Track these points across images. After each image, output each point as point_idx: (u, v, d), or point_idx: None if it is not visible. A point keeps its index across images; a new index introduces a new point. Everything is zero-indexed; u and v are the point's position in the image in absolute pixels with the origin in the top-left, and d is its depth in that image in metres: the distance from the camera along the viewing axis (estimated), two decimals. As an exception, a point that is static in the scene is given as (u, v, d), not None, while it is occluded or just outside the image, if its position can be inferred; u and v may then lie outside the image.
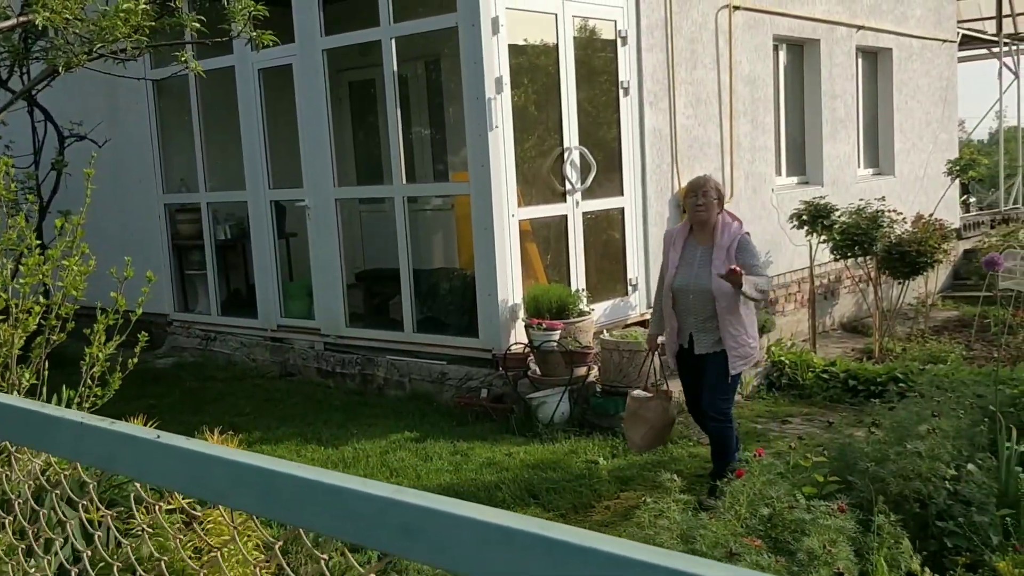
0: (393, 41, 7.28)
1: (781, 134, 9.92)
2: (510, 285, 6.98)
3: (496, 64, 6.80)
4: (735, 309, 5.04)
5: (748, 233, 5.19)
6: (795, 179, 10.12)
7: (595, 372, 6.82)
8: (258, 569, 3.55)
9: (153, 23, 5.19)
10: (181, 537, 3.90)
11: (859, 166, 11.06)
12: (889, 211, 8.78)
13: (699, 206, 5.11)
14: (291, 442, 6.39)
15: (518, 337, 7.01)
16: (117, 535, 3.89)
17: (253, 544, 3.86)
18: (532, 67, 7.38)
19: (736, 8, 8.75)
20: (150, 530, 3.59)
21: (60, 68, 5.08)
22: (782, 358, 7.73)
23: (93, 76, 6.70)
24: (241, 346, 8.77)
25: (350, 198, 8.48)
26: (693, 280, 5.12)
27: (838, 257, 8.79)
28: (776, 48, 9.66)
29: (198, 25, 5.48)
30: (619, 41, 7.78)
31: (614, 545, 0.68)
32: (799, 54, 10.15)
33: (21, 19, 5.48)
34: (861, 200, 8.98)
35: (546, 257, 7.54)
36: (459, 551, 0.70)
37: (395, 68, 7.34)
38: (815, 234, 8.65)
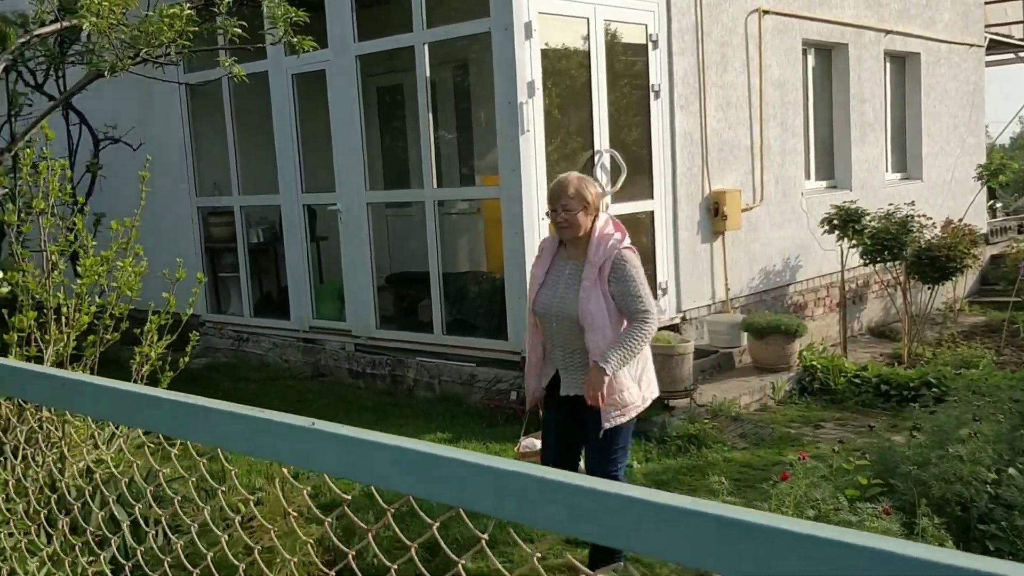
0: (426, 47, 7.34)
1: (810, 138, 9.92)
2: (542, 288, 7.01)
3: (528, 68, 6.85)
4: (612, 340, 3.93)
5: (631, 248, 4.00)
6: (824, 183, 10.11)
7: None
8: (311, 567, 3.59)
9: (196, 28, 5.26)
10: (225, 537, 3.95)
11: (887, 170, 11.04)
12: (918, 216, 8.77)
13: (561, 222, 3.96)
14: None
15: (550, 340, 7.03)
16: (167, 531, 3.96)
17: (303, 543, 3.90)
18: (563, 71, 7.42)
19: (765, 12, 8.77)
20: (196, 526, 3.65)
21: (105, 72, 5.15)
22: (813, 363, 7.73)
23: (126, 80, 6.78)
24: (273, 347, 8.85)
25: (379, 202, 8.54)
26: (556, 303, 4.02)
27: (867, 262, 8.78)
28: (805, 52, 9.67)
29: (239, 31, 5.54)
30: (650, 45, 7.81)
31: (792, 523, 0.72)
32: (827, 58, 10.15)
33: (65, 24, 5.57)
34: (890, 205, 8.97)
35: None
36: (621, 528, 0.74)
37: (427, 73, 7.40)
38: (846, 239, 8.65)
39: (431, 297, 7.64)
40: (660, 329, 7.66)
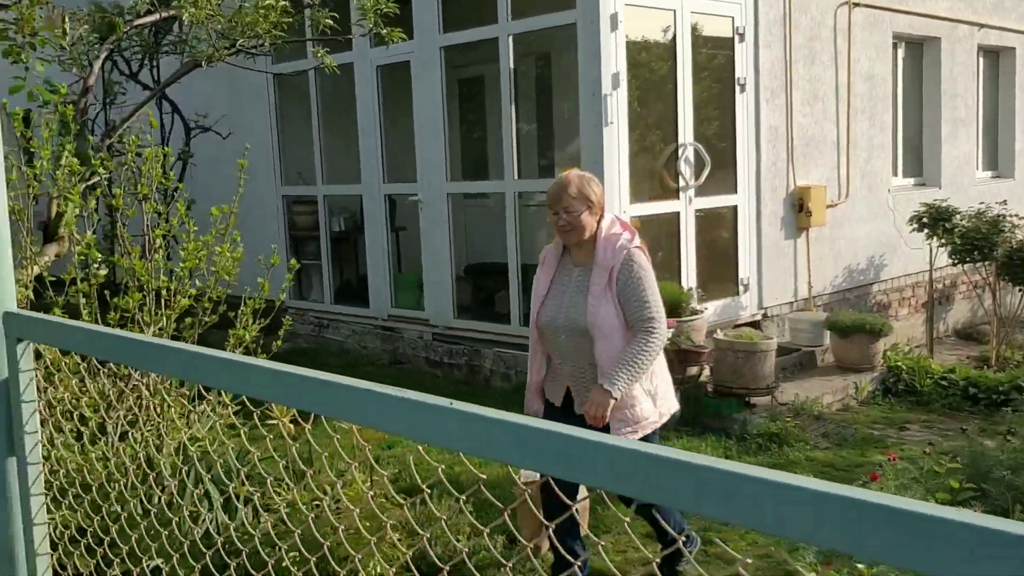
0: (510, 38, 7.37)
1: (898, 133, 9.68)
2: (622, 281, 6.99)
3: (613, 60, 6.82)
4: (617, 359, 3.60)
5: (641, 248, 3.70)
6: (912, 180, 9.86)
7: (707, 372, 6.79)
8: (396, 549, 3.65)
9: (290, 19, 5.37)
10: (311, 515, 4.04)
11: (978, 168, 10.72)
12: (1010, 215, 8.50)
13: (564, 225, 3.64)
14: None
15: (628, 333, 7.01)
16: (259, 508, 4.07)
17: (392, 525, 3.96)
18: (648, 63, 7.37)
19: (855, 5, 8.58)
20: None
21: (203, 62, 5.29)
22: (898, 363, 7.57)
23: (216, 70, 6.94)
24: (353, 334, 9.00)
25: (460, 193, 8.61)
26: (564, 313, 3.70)
27: (956, 262, 8.54)
28: (895, 46, 9.43)
29: (331, 22, 5.64)
30: (736, 37, 7.71)
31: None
32: (919, 52, 9.89)
33: (163, 14, 5.72)
34: (981, 203, 8.71)
35: (656, 254, 7.52)
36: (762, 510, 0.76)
37: (511, 65, 7.43)
38: (935, 238, 8.43)
39: (509, 288, 7.67)
40: (739, 326, 7.59)
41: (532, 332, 3.86)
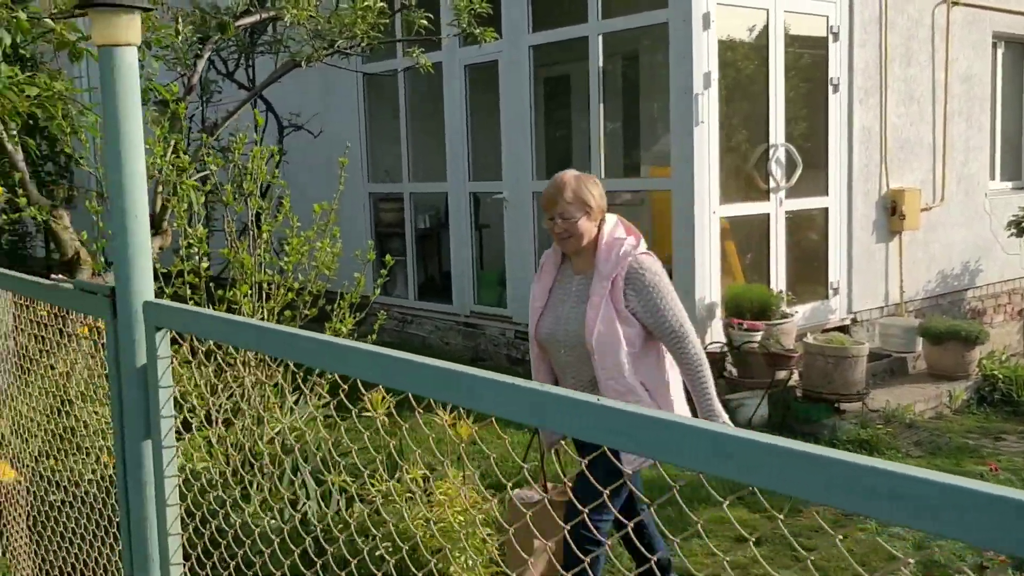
0: (600, 37, 7.36)
1: (997, 136, 9.38)
2: (708, 283, 6.94)
3: (705, 59, 6.76)
4: (629, 371, 3.23)
5: (649, 253, 3.32)
6: (1010, 183, 9.55)
7: (796, 376, 6.69)
8: (486, 544, 3.68)
9: (387, 20, 5.45)
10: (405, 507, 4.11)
11: (1081, 172, 10.33)
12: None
13: (560, 232, 3.32)
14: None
15: (714, 336, 6.95)
16: (356, 499, 4.15)
17: (482, 521, 4.01)
18: (740, 62, 7.29)
19: (954, 4, 8.35)
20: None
21: (302, 62, 5.41)
22: (994, 372, 7.34)
23: (309, 70, 7.09)
24: (436, 329, 9.10)
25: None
26: (563, 326, 3.37)
27: (1057, 268, 8.26)
28: (995, 45, 9.15)
29: (426, 23, 5.71)
30: (830, 37, 7.57)
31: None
32: (1020, 52, 9.57)
33: (265, 15, 5.87)
34: (1085, 208, 8.40)
35: (745, 256, 7.44)
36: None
37: (600, 64, 7.42)
38: (1035, 243, 8.17)
39: (594, 288, 7.66)
40: (827, 330, 7.45)
41: (532, 346, 3.53)
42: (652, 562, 2.89)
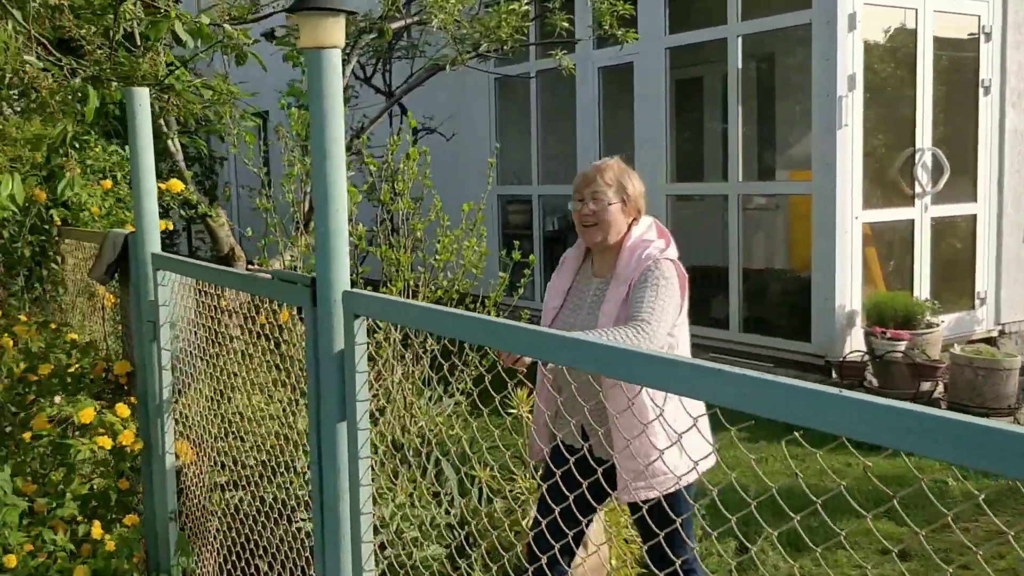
0: (739, 39, 7.27)
1: None
2: (849, 290, 6.76)
3: (850, 61, 6.60)
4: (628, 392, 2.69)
5: (673, 260, 2.92)
6: None
7: (941, 388, 6.44)
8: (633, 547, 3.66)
9: (530, 23, 5.52)
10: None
11: None
12: None
13: (587, 215, 2.95)
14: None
15: (854, 345, 6.77)
16: (489, 494, 4.22)
17: (624, 524, 4.02)
18: (885, 64, 7.08)
19: (1119, 0, 7.89)
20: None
21: (447, 66, 5.53)
22: None
23: (442, 74, 7.23)
24: (563, 333, 9.14)
25: (677, 194, 8.57)
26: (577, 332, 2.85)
27: None
28: None
29: (567, 25, 5.76)
30: (982, 37, 7.28)
31: None
32: None
33: (411, 20, 6.02)
34: None
35: (887, 263, 7.22)
36: None
37: (739, 66, 7.33)
38: None
39: (728, 292, 7.57)
40: (973, 341, 7.15)
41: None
42: None
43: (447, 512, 4.03)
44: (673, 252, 2.95)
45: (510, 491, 4.10)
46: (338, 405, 1.95)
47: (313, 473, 2.03)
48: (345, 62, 6.10)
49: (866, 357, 6.58)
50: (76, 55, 3.79)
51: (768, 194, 8.39)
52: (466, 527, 3.51)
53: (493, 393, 2.71)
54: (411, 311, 1.85)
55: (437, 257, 3.97)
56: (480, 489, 4.24)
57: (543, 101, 9.32)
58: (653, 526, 2.61)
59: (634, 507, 2.93)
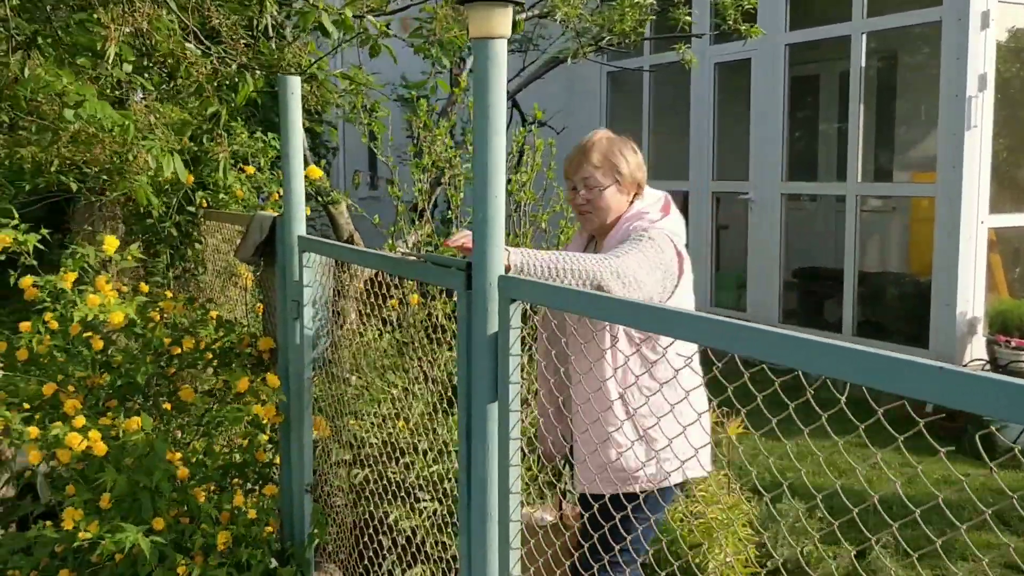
0: (864, 36, 7.10)
1: None
2: (972, 297, 6.55)
3: (981, 60, 6.38)
4: (606, 375, 2.47)
5: (670, 235, 2.56)
6: None
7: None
8: (747, 546, 3.67)
9: (654, 16, 5.51)
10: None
11: None
12: None
13: (581, 203, 2.68)
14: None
15: (975, 353, 6.55)
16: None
17: (741, 522, 4.00)
18: (1018, 63, 6.82)
19: None
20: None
21: (568, 59, 5.57)
22: None
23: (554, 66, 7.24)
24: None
25: (793, 193, 8.43)
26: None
27: None
28: None
29: (690, 19, 5.72)
30: (1126, 36, 6.94)
31: None
32: None
33: (532, 12, 6.07)
34: None
35: (1012, 270, 6.97)
36: None
37: (863, 64, 7.16)
38: None
39: (842, 295, 7.41)
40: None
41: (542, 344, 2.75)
42: None
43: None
44: (672, 226, 2.60)
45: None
46: (490, 387, 2.01)
47: (462, 452, 2.10)
48: (468, 54, 6.19)
49: (988, 366, 6.37)
50: (217, 44, 3.95)
51: (888, 196, 8.17)
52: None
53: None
54: (566, 296, 1.90)
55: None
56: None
57: (656, 96, 9.27)
58: (598, 520, 2.38)
59: (584, 502, 2.58)
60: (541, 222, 4.10)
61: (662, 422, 2.15)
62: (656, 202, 2.69)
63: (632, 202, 2.67)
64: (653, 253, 2.45)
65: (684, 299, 2.58)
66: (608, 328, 2.50)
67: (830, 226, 8.79)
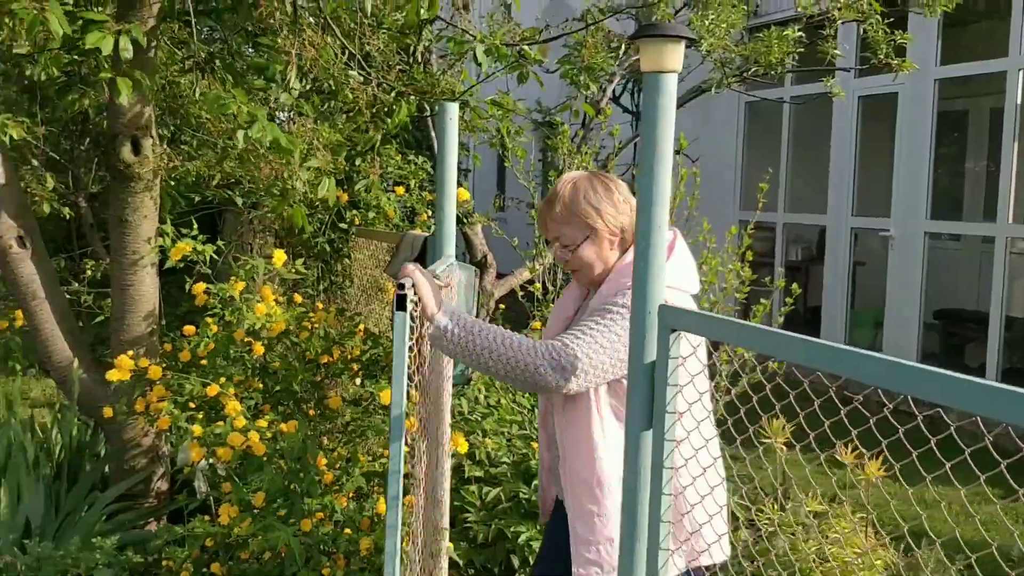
0: (1021, 73, 6.82)
1: None
2: None
3: None
4: (591, 438, 2.28)
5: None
6: None
7: None
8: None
9: (803, 49, 5.45)
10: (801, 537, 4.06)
11: None
12: None
13: (564, 263, 2.40)
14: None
15: None
16: (744, 524, 4.19)
17: (883, 563, 3.88)
18: None
19: None
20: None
21: (713, 89, 5.55)
22: None
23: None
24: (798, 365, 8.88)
25: (936, 232, 8.14)
26: None
27: None
28: None
29: (839, 53, 5.63)
30: None
31: None
32: None
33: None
34: None
35: None
36: None
37: (1019, 100, 6.87)
38: None
39: (986, 339, 7.10)
40: None
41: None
42: None
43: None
44: (670, 275, 2.16)
45: (754, 521, 4.07)
46: (644, 414, 2.03)
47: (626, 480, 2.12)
48: (608, 81, 6.25)
49: None
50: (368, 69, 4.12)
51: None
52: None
53: (747, 423, 2.73)
54: (730, 328, 1.91)
55: (704, 279, 4.01)
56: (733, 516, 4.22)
57: (795, 127, 9.12)
58: None
59: None
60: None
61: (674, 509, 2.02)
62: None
63: (627, 249, 2.31)
64: (619, 327, 2.17)
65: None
66: (592, 395, 2.25)
67: (974, 267, 8.45)
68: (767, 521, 4.01)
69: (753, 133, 9.64)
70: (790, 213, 9.21)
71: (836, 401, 1.92)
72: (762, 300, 4.37)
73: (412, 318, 2.23)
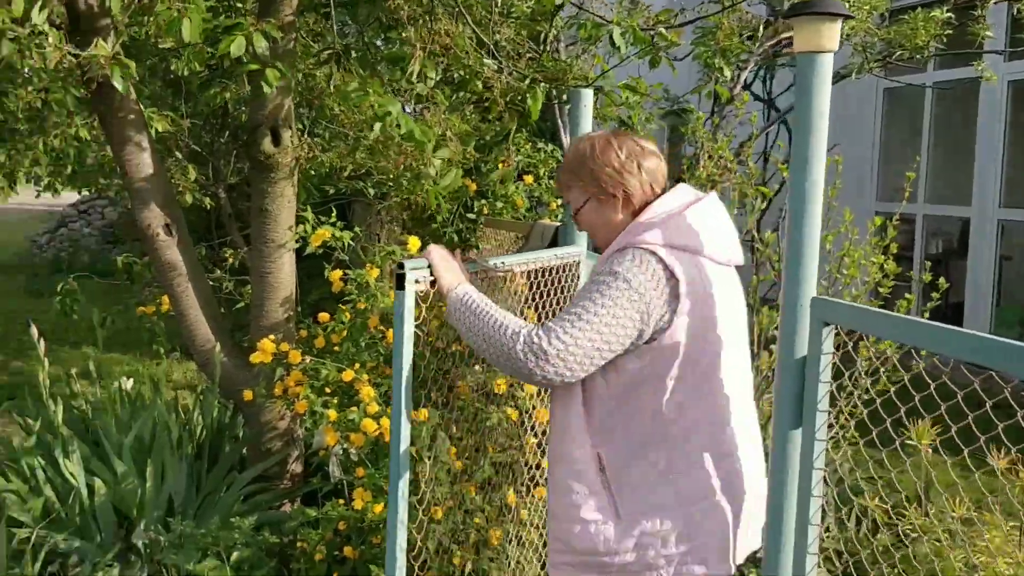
0: None
1: None
2: None
3: None
4: (577, 426, 2.09)
5: (650, 250, 2.00)
6: None
7: None
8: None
9: (951, 31, 5.16)
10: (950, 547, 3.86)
11: None
12: None
13: (577, 225, 2.30)
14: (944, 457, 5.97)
15: None
16: (884, 526, 4.01)
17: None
18: None
19: None
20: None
21: (853, 74, 5.32)
22: None
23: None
24: (942, 364, 8.48)
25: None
26: None
27: None
28: None
29: (991, 35, 5.31)
30: None
31: None
32: None
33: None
34: None
35: None
36: None
37: None
38: None
39: None
40: None
41: None
42: None
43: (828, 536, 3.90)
44: (658, 238, 2.02)
45: (898, 526, 3.89)
46: (794, 412, 1.94)
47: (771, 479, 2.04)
48: (740, 68, 6.07)
49: None
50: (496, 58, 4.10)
51: None
52: (854, 556, 3.36)
53: (889, 427, 2.59)
54: (890, 322, 1.80)
55: (844, 272, 3.84)
56: (872, 520, 4.06)
57: (937, 114, 8.69)
58: None
59: None
60: (826, 243, 3.94)
61: (658, 495, 2.02)
62: (670, 206, 2.12)
63: (641, 209, 2.15)
64: (609, 295, 1.97)
65: (696, 327, 2.03)
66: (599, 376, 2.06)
67: None
68: (910, 527, 3.83)
69: (892, 119, 9.23)
70: (930, 204, 8.77)
71: (986, 403, 1.79)
72: (906, 295, 4.15)
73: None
